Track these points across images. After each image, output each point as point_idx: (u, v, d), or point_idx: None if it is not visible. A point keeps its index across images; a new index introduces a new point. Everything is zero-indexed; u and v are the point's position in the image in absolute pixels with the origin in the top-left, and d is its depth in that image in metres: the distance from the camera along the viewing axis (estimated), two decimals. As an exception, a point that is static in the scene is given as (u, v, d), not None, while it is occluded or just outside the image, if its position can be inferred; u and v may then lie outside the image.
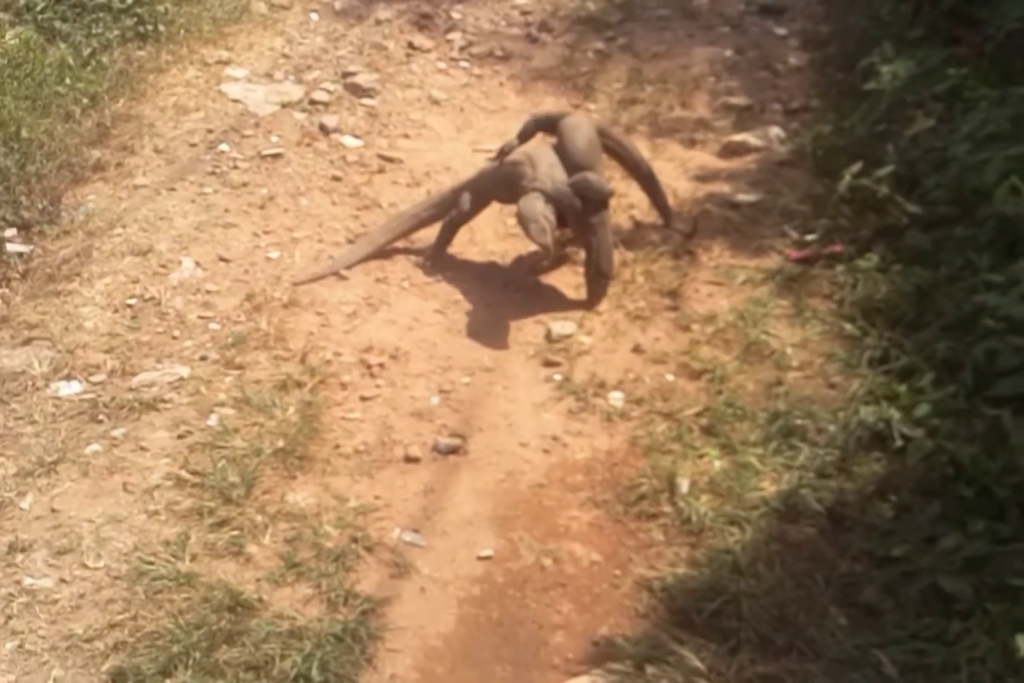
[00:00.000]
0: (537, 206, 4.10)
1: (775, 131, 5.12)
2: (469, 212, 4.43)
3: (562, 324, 4.14)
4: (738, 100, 5.47)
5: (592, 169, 4.22)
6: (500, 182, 4.35)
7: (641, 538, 3.29)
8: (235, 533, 3.26)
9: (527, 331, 4.16)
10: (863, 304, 3.97)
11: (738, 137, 5.14)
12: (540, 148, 4.39)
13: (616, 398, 3.81)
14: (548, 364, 3.99)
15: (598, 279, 4.21)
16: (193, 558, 3.18)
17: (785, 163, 4.93)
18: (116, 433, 3.61)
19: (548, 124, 4.47)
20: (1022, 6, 4.25)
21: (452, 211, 4.43)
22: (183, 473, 3.45)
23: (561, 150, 4.32)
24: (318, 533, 3.26)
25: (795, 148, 4.98)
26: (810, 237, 4.37)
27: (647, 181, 4.56)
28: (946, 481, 3.20)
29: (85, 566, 3.17)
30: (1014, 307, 3.27)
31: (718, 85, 5.64)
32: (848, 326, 3.91)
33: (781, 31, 6.08)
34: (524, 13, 6.39)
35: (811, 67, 5.68)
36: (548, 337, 4.08)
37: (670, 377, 3.87)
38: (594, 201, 4.14)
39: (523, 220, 4.09)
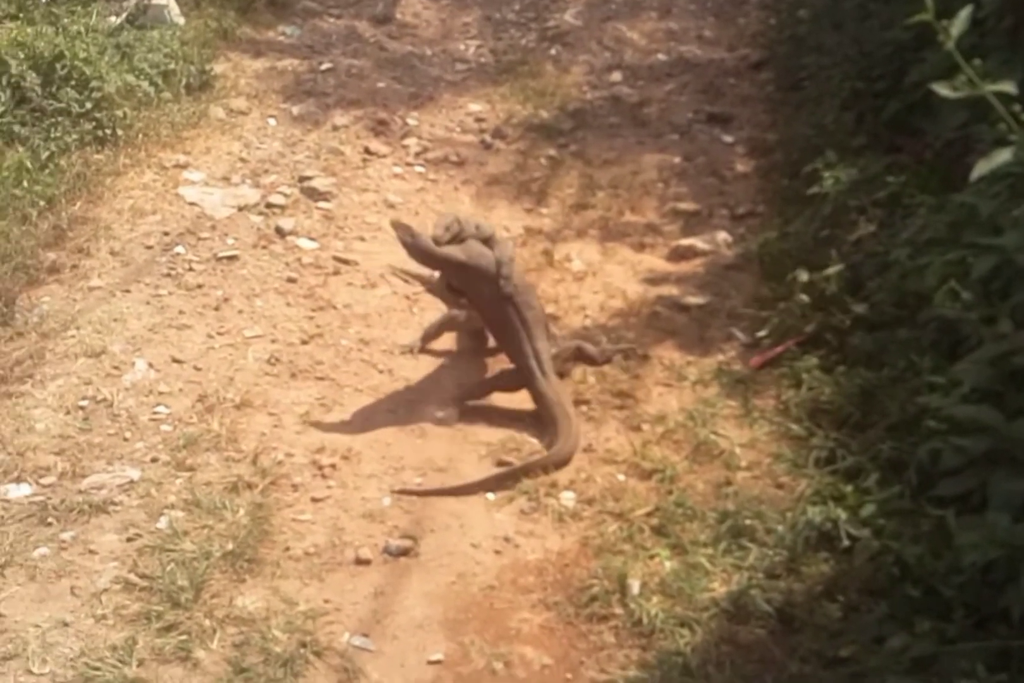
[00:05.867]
0: None
1: (722, 235, 5.24)
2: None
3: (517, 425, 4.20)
4: (686, 205, 5.59)
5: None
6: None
7: (592, 640, 3.28)
8: (183, 638, 3.22)
9: (479, 431, 4.19)
10: (809, 405, 4.03)
11: (686, 241, 5.25)
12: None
13: (568, 498, 3.83)
14: (500, 464, 4.02)
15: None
16: (140, 663, 3.14)
17: (732, 267, 5.04)
18: (65, 536, 3.58)
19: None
20: (960, 116, 4.38)
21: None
22: (131, 577, 3.42)
23: None
24: (267, 638, 3.23)
25: (742, 252, 5.09)
26: (761, 334, 4.47)
27: None
28: (893, 581, 3.21)
29: (30, 672, 3.11)
30: (956, 408, 3.31)
31: (667, 191, 5.77)
32: (795, 426, 3.97)
33: (728, 139, 6.24)
34: (478, 120, 6.54)
35: (757, 173, 5.83)
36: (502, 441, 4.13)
37: (621, 477, 3.90)
38: None
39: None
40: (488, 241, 4.44)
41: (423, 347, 4.62)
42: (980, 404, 3.23)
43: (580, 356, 4.49)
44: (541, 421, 4.22)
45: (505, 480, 3.92)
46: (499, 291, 4.30)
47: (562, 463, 3.99)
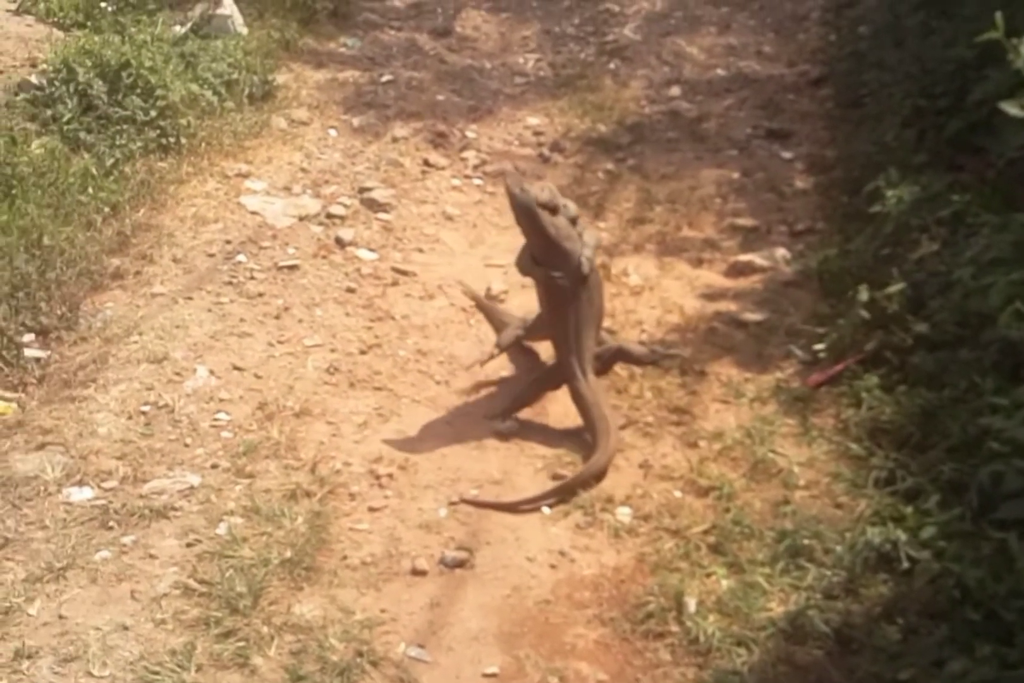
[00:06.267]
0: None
1: (781, 252, 5.22)
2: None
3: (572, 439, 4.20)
4: (745, 221, 5.58)
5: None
6: None
7: (648, 658, 3.28)
8: (241, 644, 3.25)
9: (535, 444, 4.20)
10: (869, 424, 4.00)
11: (745, 257, 5.24)
12: None
13: (624, 514, 3.83)
14: (556, 477, 4.03)
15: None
16: (199, 668, 3.18)
17: (791, 283, 5.02)
18: (126, 540, 3.63)
19: None
20: (1023, 135, 4.35)
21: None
22: (191, 582, 3.46)
23: None
24: (324, 646, 3.26)
25: (801, 269, 5.06)
26: (819, 347, 4.44)
27: None
28: (953, 604, 3.18)
29: (91, 674, 3.16)
30: (1019, 430, 3.29)
31: (725, 206, 5.76)
32: (854, 446, 3.94)
33: (787, 155, 6.22)
34: (537, 133, 6.56)
35: (816, 190, 5.80)
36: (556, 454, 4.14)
37: (678, 494, 3.90)
38: None
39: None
40: (573, 221, 4.37)
41: (500, 352, 4.54)
42: (1044, 427, 3.21)
43: (624, 358, 4.49)
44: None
45: (556, 496, 3.92)
46: (575, 274, 4.22)
47: (601, 472, 3.99)
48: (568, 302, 4.27)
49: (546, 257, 4.29)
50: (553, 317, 4.36)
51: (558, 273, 4.25)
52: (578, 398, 4.24)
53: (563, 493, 3.92)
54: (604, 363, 4.43)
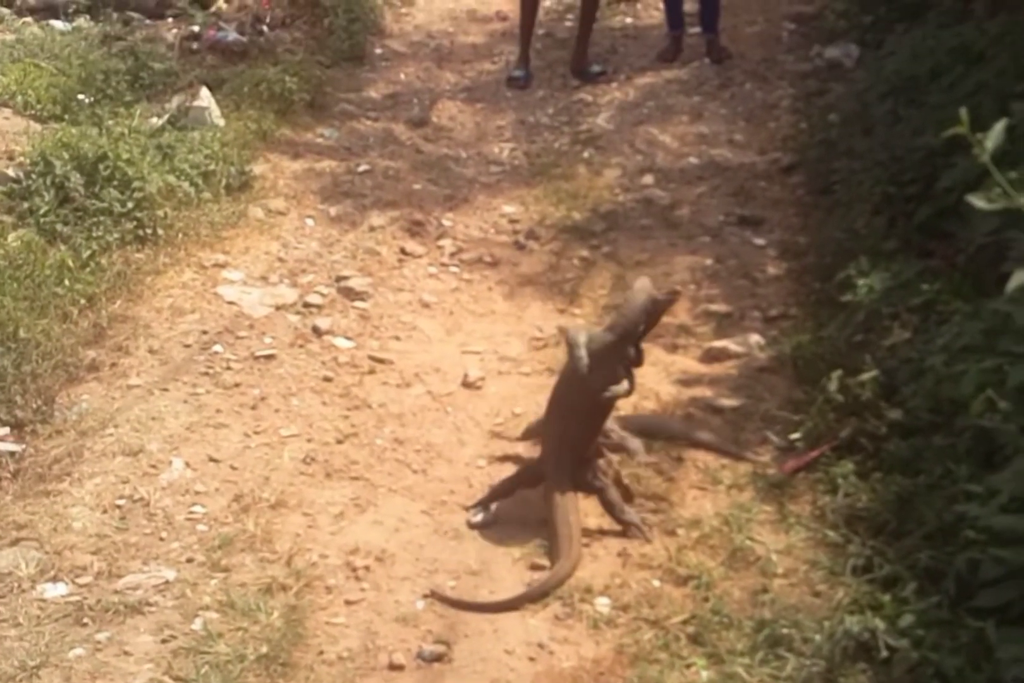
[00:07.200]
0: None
1: (755, 338, 5.25)
2: None
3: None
4: (718, 307, 5.62)
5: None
6: None
7: (629, 752, 3.25)
8: (216, 743, 3.21)
9: (514, 534, 4.18)
10: (845, 511, 4.00)
11: (719, 343, 5.27)
12: None
13: (603, 604, 3.80)
14: (534, 568, 4.00)
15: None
16: (173, 770, 3.13)
17: (765, 369, 5.04)
18: (100, 637, 3.58)
19: None
20: (991, 222, 4.42)
21: None
22: (166, 679, 3.42)
23: None
24: (300, 744, 3.21)
25: (775, 355, 5.09)
26: (794, 436, 4.46)
27: None
28: (933, 694, 3.18)
29: (62, 778, 3.11)
30: (994, 518, 3.30)
31: (699, 292, 5.81)
32: (831, 533, 3.94)
33: (759, 241, 6.27)
34: (512, 221, 6.62)
35: (789, 276, 5.85)
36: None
37: (656, 583, 3.88)
38: None
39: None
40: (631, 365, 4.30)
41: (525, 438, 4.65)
42: (1019, 514, 3.22)
43: (601, 501, 4.26)
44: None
45: (522, 604, 3.84)
46: (588, 400, 4.19)
47: (564, 581, 3.92)
48: (565, 412, 4.26)
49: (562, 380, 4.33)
50: (548, 415, 4.36)
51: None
52: (546, 500, 4.19)
53: (528, 601, 3.85)
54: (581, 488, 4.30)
